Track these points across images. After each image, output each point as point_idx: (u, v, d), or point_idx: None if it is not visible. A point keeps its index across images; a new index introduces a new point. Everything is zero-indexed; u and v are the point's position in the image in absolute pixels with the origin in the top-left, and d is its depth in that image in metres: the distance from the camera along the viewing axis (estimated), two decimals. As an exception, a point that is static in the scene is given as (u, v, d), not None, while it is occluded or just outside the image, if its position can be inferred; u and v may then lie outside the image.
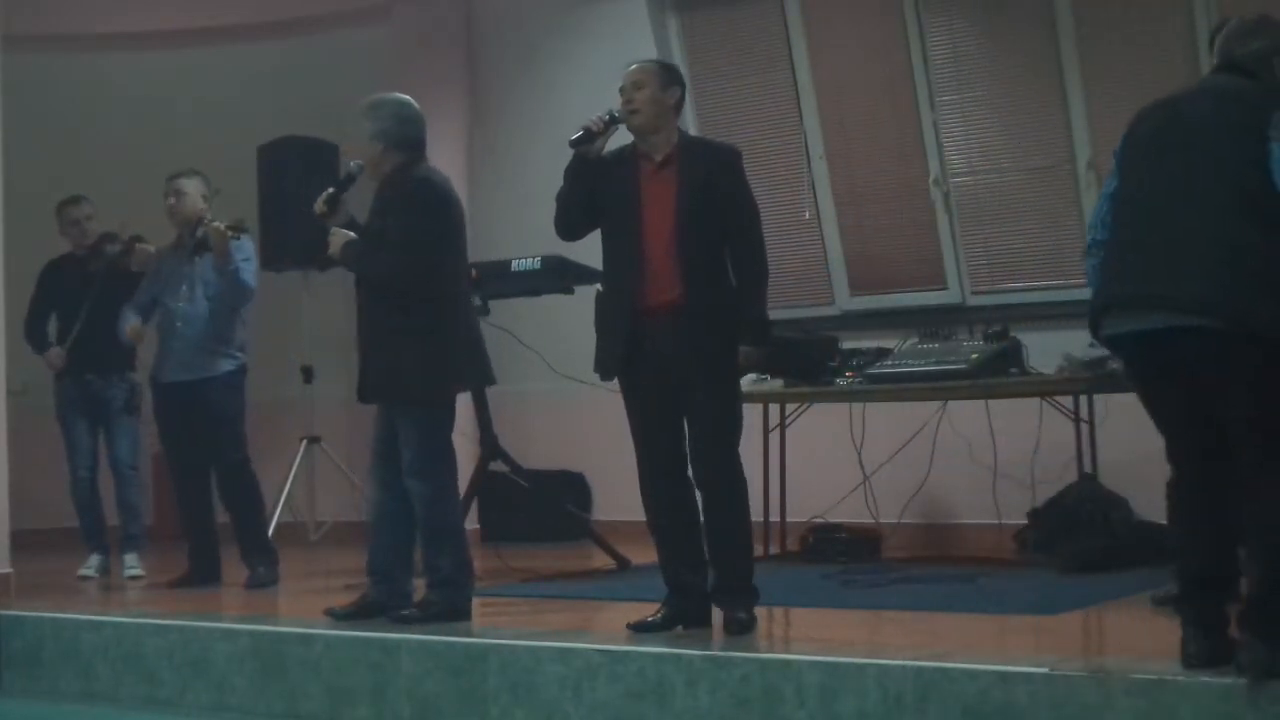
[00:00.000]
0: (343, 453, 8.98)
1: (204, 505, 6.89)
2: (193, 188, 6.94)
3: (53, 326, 7.48)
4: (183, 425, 6.77)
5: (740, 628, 4.76)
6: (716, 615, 4.90)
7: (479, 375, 5.60)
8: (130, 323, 6.87)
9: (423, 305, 5.31)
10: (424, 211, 5.31)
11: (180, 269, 6.86)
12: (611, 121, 4.96)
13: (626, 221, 4.90)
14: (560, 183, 5.07)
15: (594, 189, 4.97)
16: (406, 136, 5.44)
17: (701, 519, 4.93)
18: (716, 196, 4.85)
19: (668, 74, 5.01)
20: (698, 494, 4.93)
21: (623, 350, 4.89)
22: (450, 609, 5.33)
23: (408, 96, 5.59)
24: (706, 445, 4.85)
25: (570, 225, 5.09)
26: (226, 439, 6.76)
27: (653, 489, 4.94)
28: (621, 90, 4.96)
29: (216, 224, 6.65)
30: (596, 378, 7.65)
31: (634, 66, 5.03)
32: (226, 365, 6.79)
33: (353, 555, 8.09)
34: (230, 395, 6.79)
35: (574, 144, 4.95)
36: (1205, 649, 3.83)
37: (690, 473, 4.90)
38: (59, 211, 7.53)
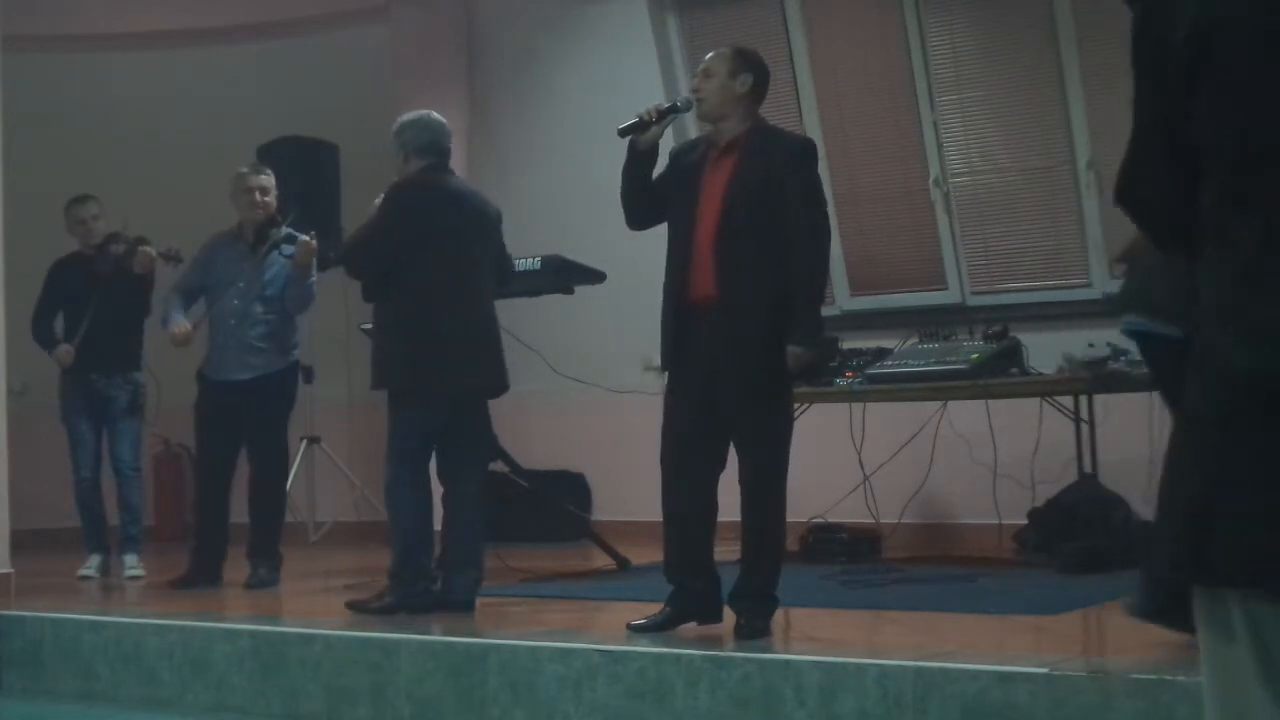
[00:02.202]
0: (343, 453, 8.98)
1: (223, 506, 6.87)
2: (274, 184, 6.95)
3: (59, 326, 7.47)
4: (230, 423, 6.76)
5: (752, 633, 4.66)
6: (717, 616, 4.89)
7: (447, 380, 5.56)
8: (179, 323, 6.80)
9: (388, 303, 5.57)
10: (379, 211, 5.60)
11: (240, 264, 6.82)
12: (671, 110, 4.89)
13: (684, 210, 4.79)
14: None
15: (664, 178, 4.90)
16: (422, 144, 5.64)
17: (717, 521, 4.87)
18: (774, 188, 4.68)
19: (740, 61, 4.84)
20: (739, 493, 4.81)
21: (674, 344, 4.80)
22: (398, 604, 5.47)
23: (430, 112, 5.80)
24: (749, 450, 4.74)
25: (634, 216, 5.00)
26: (276, 431, 6.83)
27: (676, 485, 4.82)
28: (694, 78, 4.91)
29: (308, 239, 6.64)
30: (596, 378, 7.68)
31: (710, 54, 4.93)
32: (284, 362, 6.83)
33: (352, 555, 8.11)
34: (288, 389, 6.86)
35: (623, 132, 4.86)
36: None
37: (738, 474, 4.78)
38: (67, 211, 7.51)
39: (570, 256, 6.89)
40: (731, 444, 4.82)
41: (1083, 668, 3.95)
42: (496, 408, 7.04)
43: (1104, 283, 7.30)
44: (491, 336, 5.69)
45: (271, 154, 8.79)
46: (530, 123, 9.04)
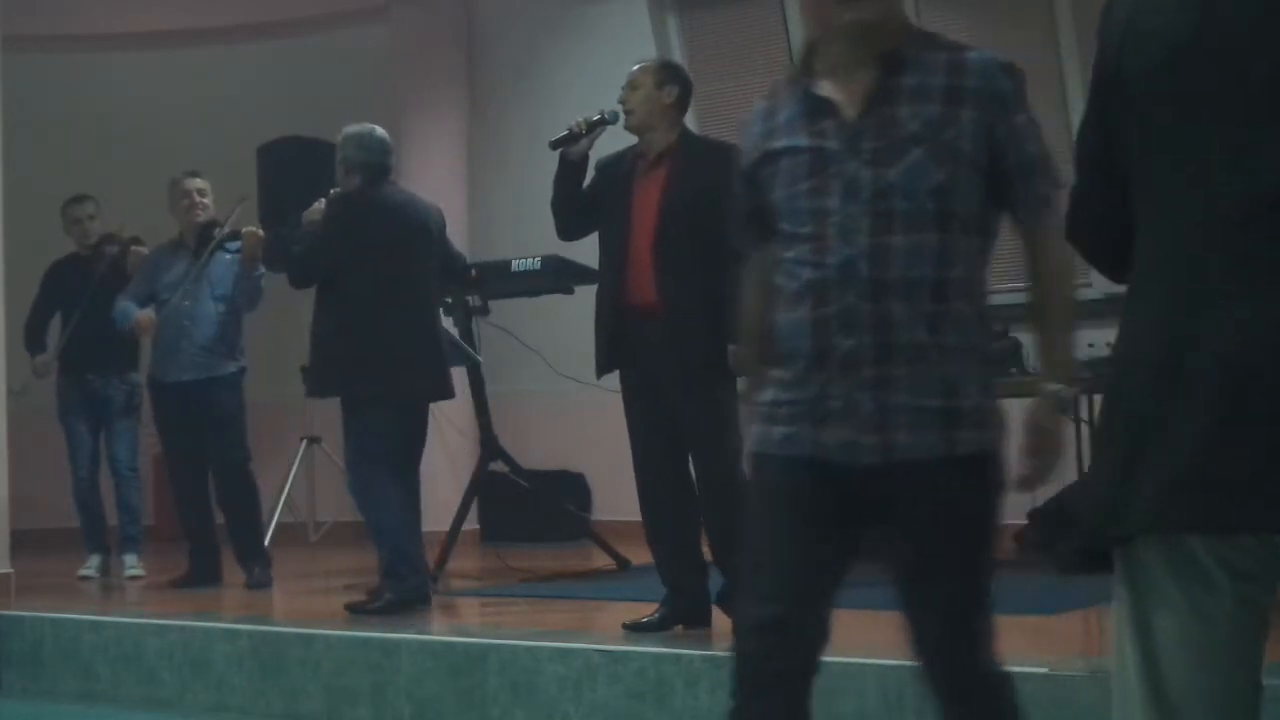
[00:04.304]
0: (342, 453, 8.96)
1: (203, 506, 6.89)
2: (209, 188, 6.99)
3: (55, 327, 7.46)
4: (185, 426, 6.77)
5: None
6: (717, 616, 4.88)
7: (399, 387, 5.69)
8: (142, 312, 6.81)
9: (329, 312, 5.70)
10: (323, 222, 5.75)
11: (186, 268, 6.85)
12: (600, 122, 4.97)
13: (617, 220, 4.86)
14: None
15: (594, 189, 4.97)
16: (365, 161, 5.79)
17: (699, 518, 4.89)
18: (706, 196, 4.69)
19: (665, 72, 4.94)
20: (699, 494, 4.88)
21: (609, 350, 4.87)
22: (399, 600, 5.50)
23: (375, 127, 5.90)
24: (702, 450, 4.79)
25: (566, 226, 5.10)
26: (230, 439, 6.78)
27: (648, 488, 4.89)
28: (621, 90, 4.95)
29: (253, 229, 6.67)
30: (596, 377, 7.66)
31: (635, 67, 5.00)
32: (232, 366, 6.83)
33: (352, 555, 8.11)
34: (235, 395, 6.82)
35: (553, 145, 4.99)
36: None
37: (692, 473, 4.85)
38: (63, 211, 7.53)
39: (570, 256, 6.88)
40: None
41: (1083, 668, 3.95)
42: (496, 408, 7.06)
43: (1104, 283, 7.29)
44: (433, 343, 5.81)
45: (271, 154, 8.78)
46: (530, 123, 9.02)
